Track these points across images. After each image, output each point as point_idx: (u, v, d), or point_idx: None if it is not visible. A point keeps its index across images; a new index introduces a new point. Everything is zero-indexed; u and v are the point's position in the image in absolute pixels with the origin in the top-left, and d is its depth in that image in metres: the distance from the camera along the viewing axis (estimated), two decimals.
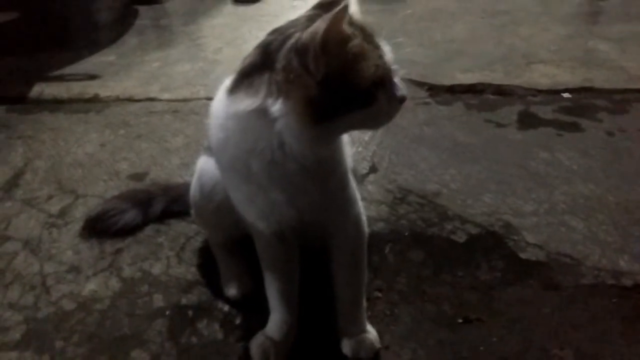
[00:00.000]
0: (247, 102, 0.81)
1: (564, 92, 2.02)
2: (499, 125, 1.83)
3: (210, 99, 1.96)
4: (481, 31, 2.63)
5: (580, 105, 1.93)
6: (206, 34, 2.76)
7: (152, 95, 2.06)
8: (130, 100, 2.03)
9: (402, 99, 0.84)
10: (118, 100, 2.04)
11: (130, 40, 2.69)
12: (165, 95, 2.06)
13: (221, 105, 0.87)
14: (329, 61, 0.75)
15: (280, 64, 0.77)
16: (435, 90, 2.06)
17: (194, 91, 2.09)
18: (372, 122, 0.87)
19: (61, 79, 2.22)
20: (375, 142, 1.66)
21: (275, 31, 0.83)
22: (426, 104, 1.96)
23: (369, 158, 1.61)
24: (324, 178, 0.90)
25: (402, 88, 0.85)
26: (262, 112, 0.80)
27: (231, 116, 0.85)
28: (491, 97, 2.02)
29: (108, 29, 2.89)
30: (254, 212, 0.93)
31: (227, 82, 0.88)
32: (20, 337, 1.08)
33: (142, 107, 1.98)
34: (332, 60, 0.75)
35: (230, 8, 3.11)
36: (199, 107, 1.96)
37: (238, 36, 2.68)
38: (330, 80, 0.76)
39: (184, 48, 2.57)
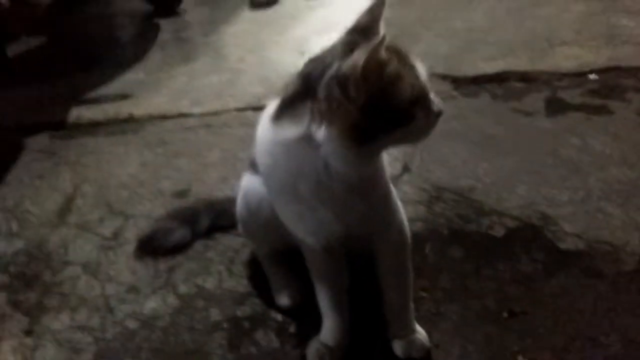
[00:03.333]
0: (292, 130, 0.86)
1: (590, 74, 2.01)
2: (527, 114, 1.84)
3: (240, 109, 2.06)
4: (500, 16, 2.62)
5: (608, 86, 1.93)
6: (227, 43, 2.82)
7: (183, 110, 2.12)
8: (164, 117, 2.10)
9: (439, 113, 0.89)
10: (152, 118, 2.10)
11: (154, 55, 2.76)
12: (197, 110, 2.12)
13: (266, 132, 0.92)
14: (369, 88, 0.80)
15: (322, 93, 0.82)
16: (459, 83, 2.08)
17: (224, 103, 2.15)
18: (412, 138, 0.91)
19: (95, 101, 2.30)
20: None
21: (314, 60, 0.87)
22: (452, 97, 1.98)
23: (401, 159, 1.64)
24: (368, 193, 0.95)
25: (438, 102, 0.89)
26: (307, 139, 0.85)
27: (277, 143, 0.90)
28: (516, 85, 2.03)
29: (132, 46, 2.97)
30: (303, 229, 0.99)
31: (270, 108, 0.93)
32: (92, 357, 1.16)
33: (175, 123, 2.05)
34: (372, 87, 0.80)
35: (247, 14, 3.15)
36: (230, 119, 2.02)
37: (259, 42, 2.72)
38: (370, 105, 0.81)
39: (207, 60, 2.62)
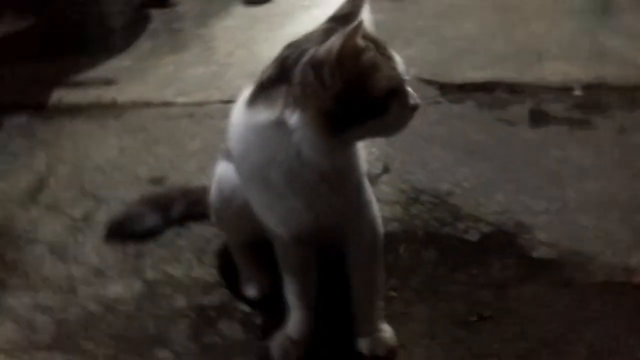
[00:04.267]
0: (265, 114, 0.85)
1: (576, 89, 2.02)
2: (511, 123, 1.84)
3: (224, 102, 2.04)
4: (492, 27, 2.62)
5: (592, 102, 1.93)
6: (218, 37, 2.79)
7: (168, 99, 2.10)
8: (147, 104, 2.07)
9: (414, 107, 0.88)
10: (135, 105, 2.07)
11: (143, 44, 2.73)
12: (181, 99, 2.10)
13: (241, 116, 0.91)
14: (344, 75, 0.79)
15: (297, 78, 0.81)
16: (446, 89, 2.07)
17: (209, 94, 2.12)
18: (386, 130, 0.90)
19: (79, 84, 2.26)
20: (387, 142, 1.69)
21: (291, 45, 0.86)
22: (437, 102, 1.97)
23: (382, 158, 1.64)
24: (340, 184, 0.93)
25: (414, 96, 0.88)
26: (280, 124, 0.84)
27: (250, 128, 0.89)
28: (502, 94, 2.03)
29: (121, 34, 2.92)
30: (274, 218, 0.97)
31: (246, 93, 0.92)
32: (50, 338, 1.13)
33: (158, 111, 2.02)
34: (347, 74, 0.79)
35: (241, 9, 3.13)
36: (213, 110, 1.99)
37: (249, 38, 2.70)
38: (345, 92, 0.80)
39: (196, 51, 2.60)
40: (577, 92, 2.01)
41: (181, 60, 2.49)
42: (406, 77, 0.87)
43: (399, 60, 0.86)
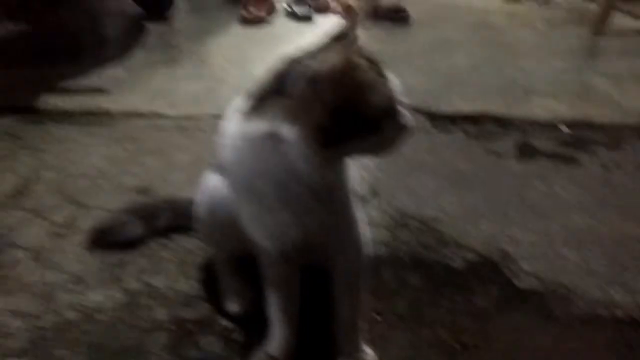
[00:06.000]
0: (260, 126, 0.85)
1: (562, 126, 2.07)
2: (498, 155, 1.87)
3: (216, 116, 2.03)
4: (481, 62, 2.69)
5: (578, 139, 1.98)
6: (212, 53, 2.81)
7: (158, 111, 2.09)
8: (137, 115, 2.06)
9: (407, 128, 0.89)
10: (125, 114, 2.06)
11: (137, 56, 2.73)
12: (172, 112, 2.09)
13: (234, 127, 0.91)
14: (340, 91, 0.80)
15: (294, 91, 0.82)
16: (435, 118, 2.10)
17: (200, 109, 2.12)
18: (378, 149, 0.91)
19: (69, 91, 2.25)
20: (376, 167, 1.70)
21: (289, 60, 0.87)
22: (427, 131, 2.00)
23: (371, 182, 1.64)
24: (329, 200, 0.93)
25: (408, 117, 0.89)
26: (273, 136, 0.84)
27: (244, 138, 0.89)
28: (490, 127, 2.07)
29: (116, 44, 2.93)
30: (262, 231, 0.96)
31: (238, 104, 0.92)
32: (23, 345, 1.10)
33: (148, 122, 2.01)
34: (343, 90, 0.80)
35: (237, 29, 3.16)
36: (204, 124, 1.99)
37: (244, 57, 2.72)
38: (340, 108, 0.80)
39: (190, 66, 2.61)
40: (564, 129, 2.05)
41: (174, 74, 2.49)
42: (402, 98, 0.88)
43: (394, 80, 0.87)
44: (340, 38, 0.88)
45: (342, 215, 1.00)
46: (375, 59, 0.87)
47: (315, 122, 0.81)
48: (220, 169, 1.03)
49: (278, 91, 0.85)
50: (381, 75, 0.86)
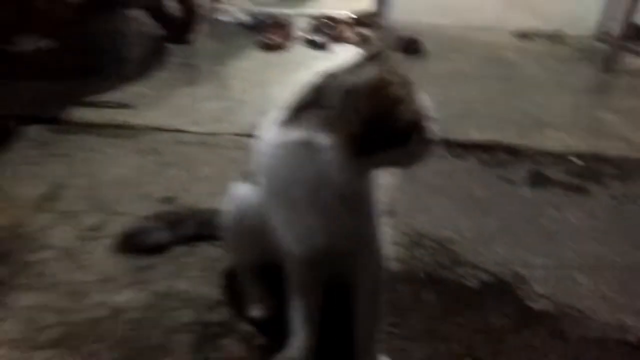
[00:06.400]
0: (296, 134, 0.91)
1: (574, 157, 2.12)
2: (511, 182, 1.92)
3: (237, 134, 2.10)
4: (495, 94, 2.76)
5: (588, 170, 2.03)
6: (233, 75, 2.89)
7: (181, 127, 2.16)
8: (160, 129, 2.13)
9: (433, 142, 0.95)
10: (148, 128, 2.13)
11: (160, 75, 2.82)
12: (194, 128, 2.16)
13: (272, 135, 0.97)
14: (374, 103, 0.86)
15: (330, 102, 0.88)
16: (450, 145, 2.16)
17: (221, 127, 2.19)
18: (406, 161, 0.97)
19: (94, 105, 2.33)
20: (395, 188, 1.75)
21: (328, 75, 0.93)
22: (443, 157, 2.06)
23: (389, 202, 1.69)
24: (356, 208, 0.99)
25: (434, 132, 0.95)
26: (309, 144, 0.90)
27: (281, 145, 0.94)
28: (503, 155, 2.12)
29: (139, 63, 3.02)
30: (291, 236, 1.01)
31: (275, 115, 0.98)
32: (56, 337, 1.14)
33: (171, 136, 2.08)
34: (377, 103, 0.86)
35: (256, 53, 3.26)
36: (225, 141, 2.06)
37: (264, 79, 2.80)
38: (373, 119, 0.87)
39: (211, 87, 2.69)
40: (576, 161, 2.10)
41: (195, 93, 2.57)
42: (432, 114, 0.94)
43: (423, 97, 0.94)
44: (374, 57, 0.95)
45: (367, 225, 1.05)
46: (406, 78, 0.93)
47: (349, 131, 0.87)
48: (252, 177, 1.08)
49: (315, 103, 0.91)
50: (411, 92, 0.93)
